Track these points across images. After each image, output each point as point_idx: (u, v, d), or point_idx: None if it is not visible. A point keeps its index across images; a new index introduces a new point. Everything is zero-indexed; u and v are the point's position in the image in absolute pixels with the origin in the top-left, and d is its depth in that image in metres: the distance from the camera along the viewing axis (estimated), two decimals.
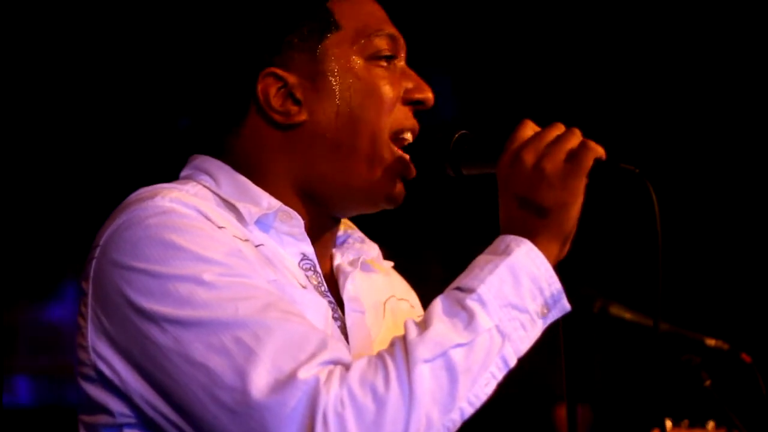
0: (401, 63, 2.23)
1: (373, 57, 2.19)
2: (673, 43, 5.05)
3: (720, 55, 5.03)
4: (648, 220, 2.00)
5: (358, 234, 2.35)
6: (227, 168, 2.18)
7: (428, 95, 2.21)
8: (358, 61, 2.18)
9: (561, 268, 2.03)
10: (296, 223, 2.16)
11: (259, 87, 2.17)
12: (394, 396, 1.85)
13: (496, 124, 2.20)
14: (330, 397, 1.83)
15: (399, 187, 2.20)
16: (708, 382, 3.37)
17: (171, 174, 2.24)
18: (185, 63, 2.30)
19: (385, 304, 2.31)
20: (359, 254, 2.30)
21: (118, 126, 5.19)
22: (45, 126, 5.40)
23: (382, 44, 2.19)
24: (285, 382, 1.84)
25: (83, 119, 5.30)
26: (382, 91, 2.17)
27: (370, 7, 2.25)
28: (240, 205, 2.11)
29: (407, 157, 2.19)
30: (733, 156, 5.10)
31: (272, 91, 2.16)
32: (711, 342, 3.33)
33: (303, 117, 2.17)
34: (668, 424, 3.33)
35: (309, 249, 2.19)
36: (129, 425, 2.01)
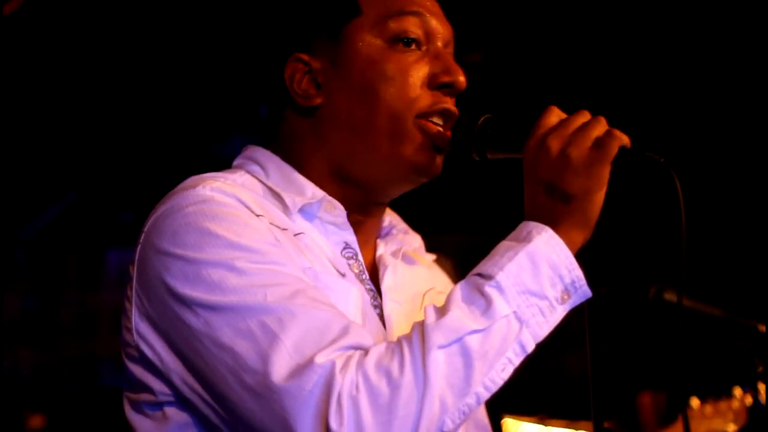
0: (435, 45, 2.21)
1: (393, 40, 2.17)
2: (696, 32, 4.96)
3: (741, 47, 4.93)
4: (673, 209, 1.97)
5: (403, 225, 2.37)
6: (276, 158, 2.22)
7: (456, 78, 2.18)
8: (375, 45, 2.17)
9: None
10: (339, 212, 2.18)
11: (287, 72, 2.20)
12: (408, 380, 1.86)
13: (520, 109, 2.18)
14: (345, 381, 1.85)
15: (429, 158, 2.18)
16: (761, 368, 3.34)
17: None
18: (228, 54, 2.35)
19: (424, 295, 2.32)
20: (401, 245, 2.31)
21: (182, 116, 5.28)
22: (120, 119, 5.51)
23: (404, 26, 2.17)
24: (303, 366, 1.87)
25: (150, 114, 5.40)
26: (398, 75, 2.15)
27: None
28: (285, 195, 2.14)
29: (437, 128, 2.17)
30: (760, 142, 5.00)
31: (298, 76, 2.20)
32: (764, 328, 3.30)
33: (319, 100, 2.19)
34: (695, 402, 3.31)
35: (351, 238, 2.21)
36: (169, 403, 2.06)
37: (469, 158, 2.19)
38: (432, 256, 2.44)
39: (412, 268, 2.35)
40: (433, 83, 2.18)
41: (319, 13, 2.21)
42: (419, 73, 2.17)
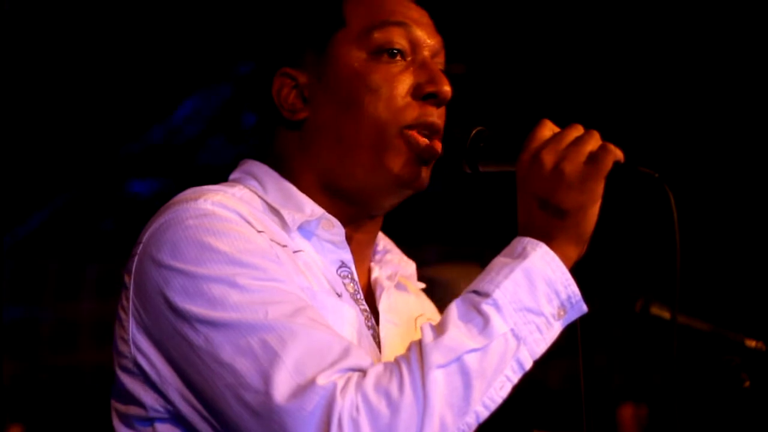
0: (421, 56, 2.19)
1: (378, 51, 2.16)
2: (689, 46, 4.97)
3: (734, 60, 4.94)
4: (667, 224, 1.97)
5: (397, 250, 2.36)
6: (274, 173, 2.20)
7: (441, 88, 2.15)
8: (359, 57, 2.16)
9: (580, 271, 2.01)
10: (337, 231, 2.17)
11: (275, 87, 2.19)
12: (408, 401, 1.84)
13: (513, 121, 2.17)
14: (345, 403, 1.83)
15: (414, 171, 2.16)
16: (748, 383, 3.32)
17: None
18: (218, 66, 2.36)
19: (416, 319, 2.32)
20: (397, 269, 2.30)
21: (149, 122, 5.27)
22: (101, 133, 5.49)
23: (388, 37, 2.16)
24: (305, 387, 1.85)
25: (128, 124, 5.38)
26: (383, 86, 2.14)
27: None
28: (284, 212, 2.13)
29: (423, 140, 2.15)
30: (753, 157, 5.01)
31: (285, 90, 2.19)
32: (751, 343, 3.28)
33: (305, 113, 2.18)
34: None
35: (348, 257, 2.19)
36: (160, 420, 2.03)
37: (460, 171, 2.18)
38: (421, 285, 2.44)
39: (402, 294, 2.34)
40: (418, 93, 2.16)
41: (304, 26, 2.20)
42: (404, 83, 2.15)
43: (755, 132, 4.98)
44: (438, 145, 2.17)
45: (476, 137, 2.14)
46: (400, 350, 1.99)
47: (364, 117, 2.13)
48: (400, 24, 2.18)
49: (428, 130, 2.16)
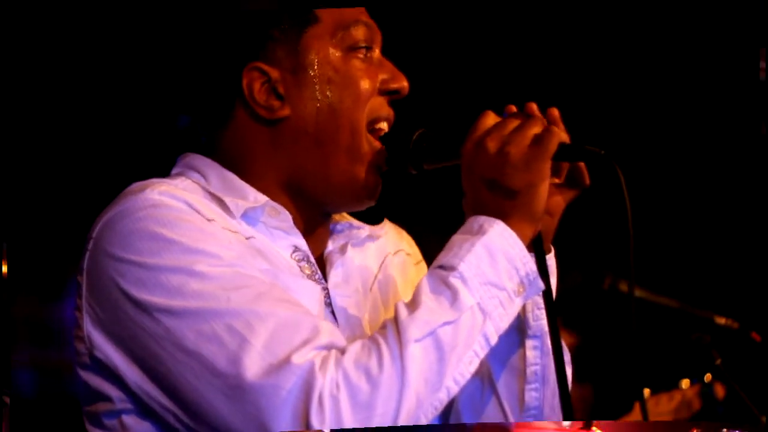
0: (377, 53, 2.22)
1: (351, 48, 2.18)
2: (635, 33, 4.99)
3: (677, 43, 4.96)
4: (617, 200, 1.97)
5: (348, 219, 2.35)
6: (216, 165, 2.19)
7: (403, 84, 2.20)
8: (336, 54, 2.17)
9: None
10: (284, 217, 2.16)
11: (244, 82, 2.16)
12: (388, 377, 1.87)
13: (454, 121, 2.18)
14: (326, 381, 1.85)
15: (377, 181, 2.19)
16: (718, 361, 3.34)
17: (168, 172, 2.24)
18: (172, 61, 2.30)
19: (376, 276, 2.31)
20: (348, 239, 2.29)
21: (115, 126, 5.19)
22: (45, 127, 5.41)
23: (359, 35, 2.18)
24: (279, 366, 1.86)
25: (79, 120, 5.30)
26: (360, 83, 2.16)
27: None
28: (227, 200, 2.11)
29: (379, 144, 2.19)
30: (707, 137, 5.03)
31: (256, 86, 2.16)
32: (721, 320, 3.30)
33: (286, 112, 2.16)
34: (647, 392, 3.31)
35: (300, 241, 2.19)
36: (127, 412, 2.02)
37: (405, 173, 2.20)
38: (382, 228, 2.40)
39: (363, 249, 2.33)
40: (383, 89, 2.19)
41: (275, 22, 2.18)
42: (374, 79, 2.19)
43: (705, 110, 5.00)
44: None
45: (419, 139, 2.16)
46: (356, 322, 2.08)
47: (342, 113, 2.15)
48: (366, 22, 2.21)
49: (387, 122, 2.21)
